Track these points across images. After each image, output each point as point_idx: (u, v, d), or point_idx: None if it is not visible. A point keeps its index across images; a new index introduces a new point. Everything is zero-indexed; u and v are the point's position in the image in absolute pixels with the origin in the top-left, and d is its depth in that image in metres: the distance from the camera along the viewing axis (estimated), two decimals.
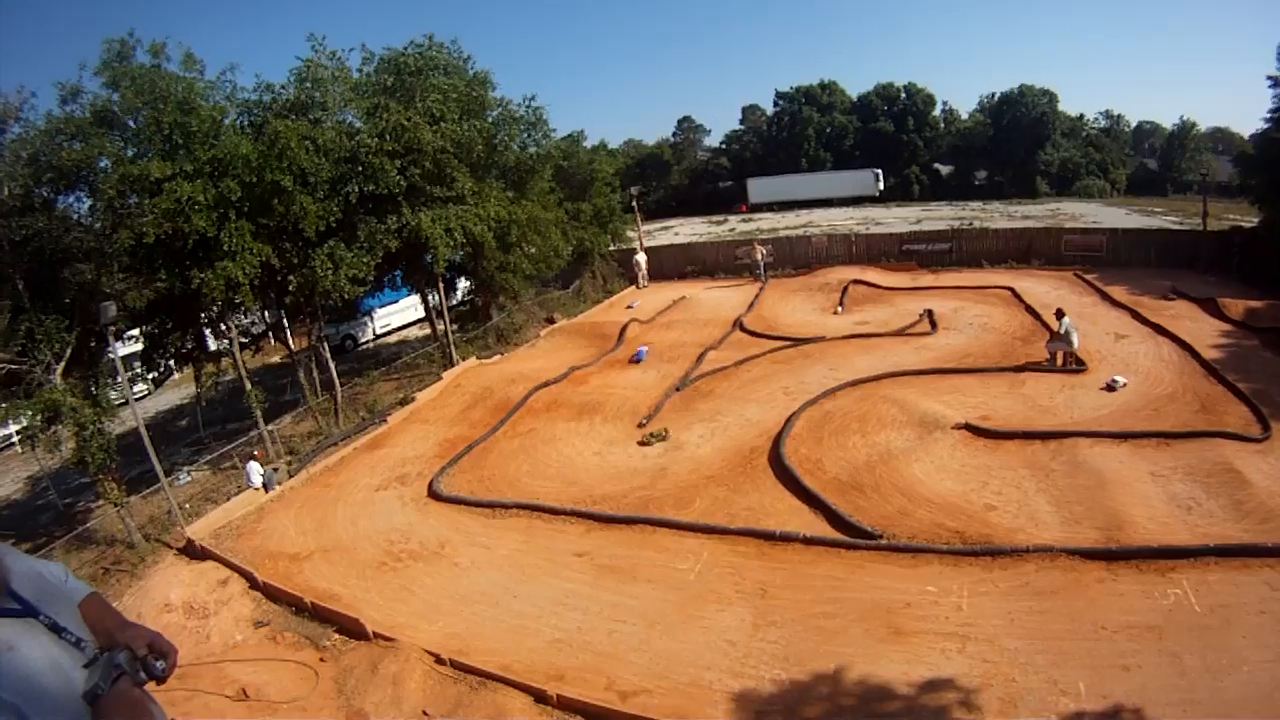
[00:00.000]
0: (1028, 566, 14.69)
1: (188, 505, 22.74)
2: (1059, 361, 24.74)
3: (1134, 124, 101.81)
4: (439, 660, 14.14)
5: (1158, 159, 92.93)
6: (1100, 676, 11.92)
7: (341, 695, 13.80)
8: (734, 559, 16.39)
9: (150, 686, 2.78)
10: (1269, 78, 35.29)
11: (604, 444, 23.12)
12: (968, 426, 20.64)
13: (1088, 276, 36.17)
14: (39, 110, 22.74)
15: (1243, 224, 40.52)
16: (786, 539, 16.65)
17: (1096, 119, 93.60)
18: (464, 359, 32.41)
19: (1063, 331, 24.68)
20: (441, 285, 33.53)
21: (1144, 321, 28.60)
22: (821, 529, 17.05)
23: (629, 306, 38.44)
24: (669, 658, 13.69)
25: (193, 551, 19.38)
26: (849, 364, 26.71)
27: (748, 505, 18.49)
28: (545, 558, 17.41)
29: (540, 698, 12.97)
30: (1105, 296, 32.68)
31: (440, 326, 34.30)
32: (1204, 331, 26.99)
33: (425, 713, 13.14)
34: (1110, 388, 22.62)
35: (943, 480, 18.39)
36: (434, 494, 20.93)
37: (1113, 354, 25.62)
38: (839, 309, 35.12)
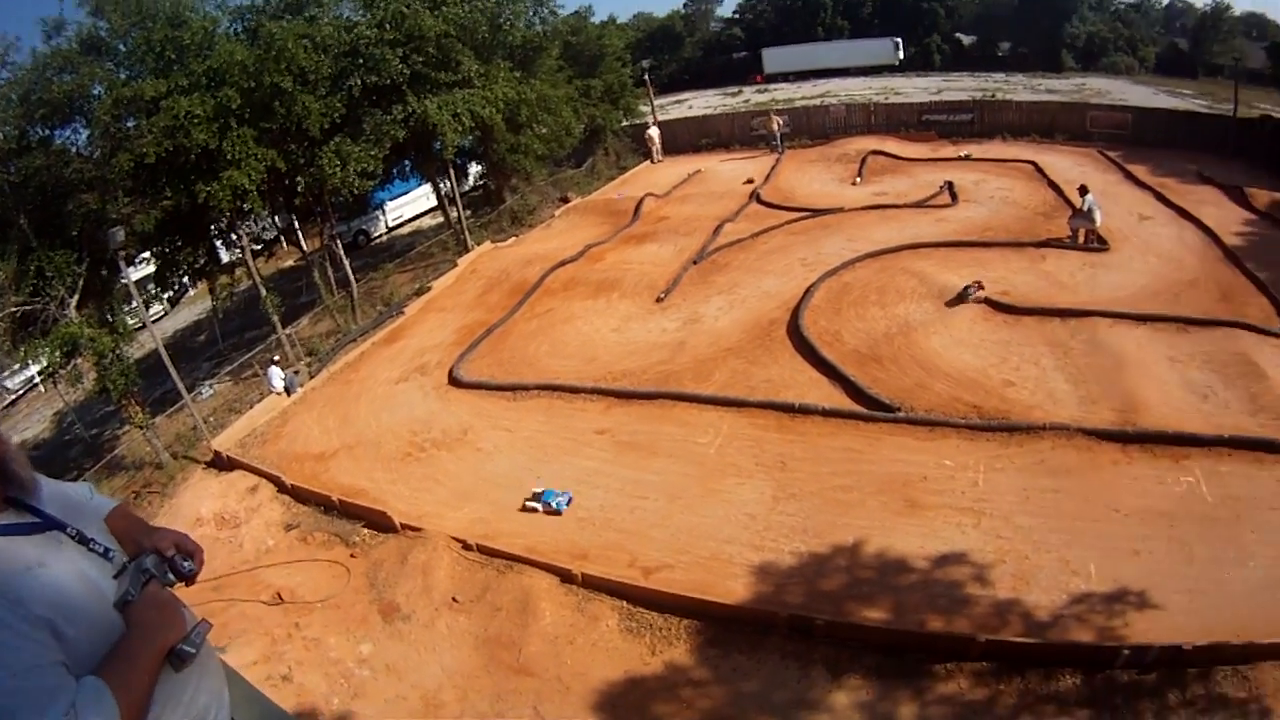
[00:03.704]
0: (1044, 444, 14.92)
1: (212, 418, 22.87)
2: (1080, 239, 24.40)
3: (1165, 1, 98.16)
4: (466, 546, 14.44)
5: (1188, 39, 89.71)
6: (1110, 559, 12.22)
7: (373, 589, 14.16)
8: (753, 432, 16.61)
9: (184, 592, 2.85)
10: None
11: (622, 320, 23.12)
12: (986, 300, 20.56)
13: (1111, 154, 35.25)
14: (24, 53, 22.43)
15: (1274, 114, 39.19)
16: (805, 411, 16.83)
17: None
18: (478, 244, 32.20)
19: (1085, 209, 24.22)
20: (452, 172, 33.14)
21: (1168, 204, 27.87)
22: (840, 401, 17.21)
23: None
24: (690, 532, 14.04)
25: (220, 463, 19.54)
26: (867, 235, 26.41)
27: (767, 378, 18.62)
28: (566, 437, 17.63)
29: (566, 577, 13.35)
30: (1129, 175, 31.86)
31: (453, 213, 34.02)
32: (1228, 219, 26.24)
33: (455, 599, 13.51)
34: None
35: (961, 354, 18.47)
36: (454, 381, 20.99)
37: (1135, 234, 25.15)
38: (857, 180, 34.50)
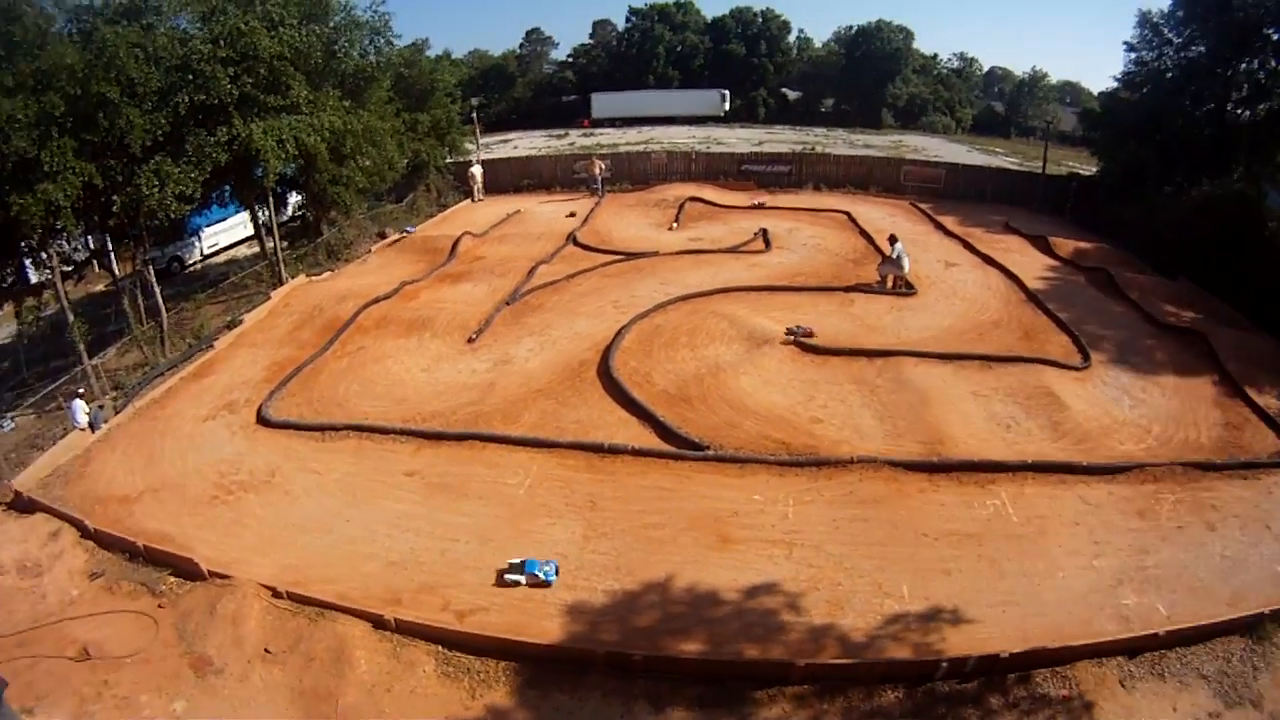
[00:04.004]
0: (851, 476, 15.85)
1: (13, 454, 21.24)
2: (889, 284, 26.19)
3: (986, 68, 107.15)
4: (276, 594, 13.87)
5: (1005, 103, 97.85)
6: (922, 579, 13.21)
7: (184, 641, 13.32)
8: (563, 472, 16.75)
9: None
10: (1125, 43, 38.94)
11: (433, 360, 22.85)
12: (796, 342, 21.59)
13: (923, 206, 38.11)
14: None
15: (1080, 172, 44.78)
16: (615, 451, 17.09)
17: (950, 60, 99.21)
18: (293, 277, 31.29)
19: (894, 256, 26.09)
20: (271, 200, 32.18)
21: (975, 252, 30.46)
22: (650, 441, 17.60)
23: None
24: None
25: (21, 504, 18.14)
26: (681, 279, 27.26)
27: (576, 418, 18.80)
28: (376, 479, 17.28)
29: (379, 624, 13.02)
30: (939, 226, 34.60)
31: (270, 244, 32.97)
32: (1033, 266, 29.07)
33: (267, 650, 12.90)
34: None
35: (770, 393, 19.34)
36: (263, 420, 20.20)
37: (942, 280, 27.32)
38: (674, 225, 35.55)
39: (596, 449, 17.23)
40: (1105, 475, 15.95)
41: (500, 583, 13.84)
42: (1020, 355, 21.06)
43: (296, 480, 17.51)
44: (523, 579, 13.75)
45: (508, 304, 25.97)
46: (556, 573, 13.79)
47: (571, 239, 33.28)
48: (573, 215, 37.58)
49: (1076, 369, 20.44)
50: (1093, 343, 21.90)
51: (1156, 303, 25.25)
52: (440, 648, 12.61)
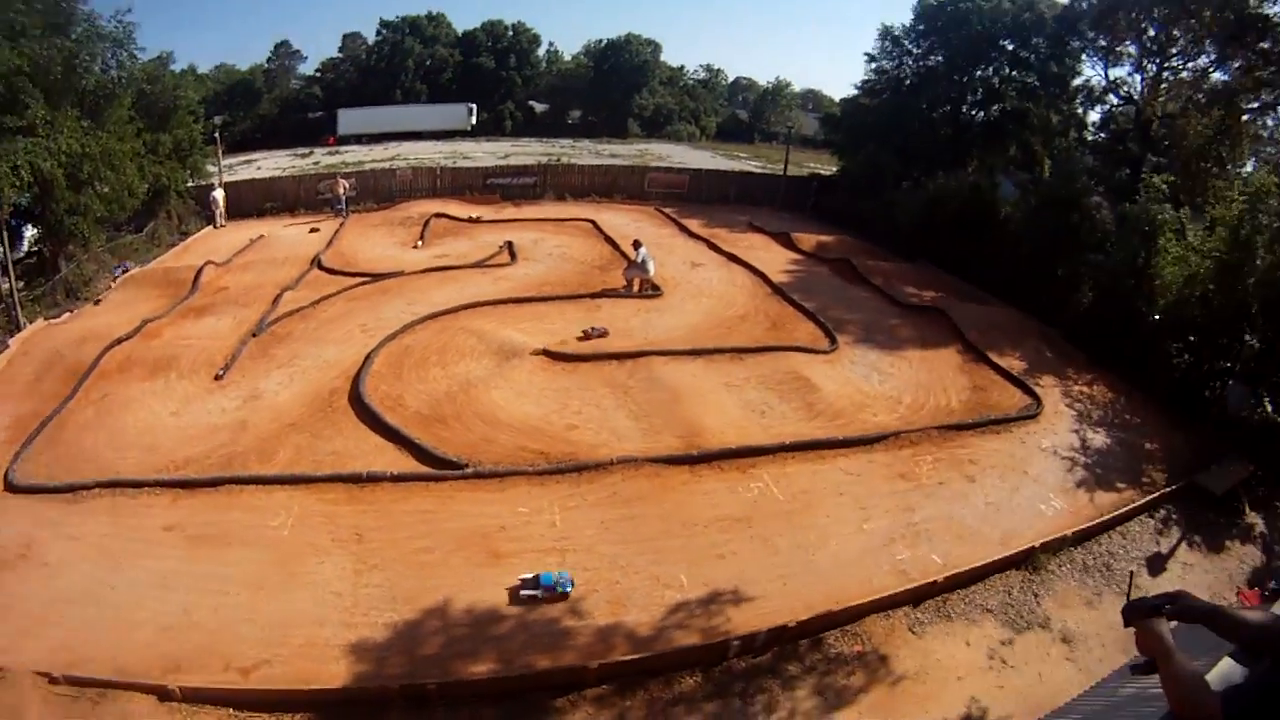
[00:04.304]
0: (614, 477, 16.21)
1: None
2: (635, 288, 27.05)
3: (732, 79, 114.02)
4: (53, 679, 12.55)
5: (749, 111, 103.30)
6: (699, 567, 13.74)
7: None
8: (325, 507, 16.16)
9: None
10: (866, 54, 44.61)
11: (181, 402, 21.48)
12: (545, 352, 21.83)
13: (667, 210, 39.70)
14: None
15: (821, 172, 48.95)
16: (374, 479, 16.66)
17: (696, 71, 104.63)
18: (31, 321, 28.81)
19: (639, 260, 26.97)
20: (5, 235, 29.42)
21: (719, 251, 31.98)
22: (408, 465, 17.32)
23: None
24: (280, 622, 13.31)
25: None
26: (427, 297, 27.02)
27: (332, 450, 18.17)
28: (135, 538, 15.98)
29: (164, 695, 12.11)
30: (683, 229, 36.24)
31: (5, 285, 30.20)
32: (777, 260, 30.89)
33: None
34: None
35: (523, 405, 19.45)
36: (10, 485, 18.34)
37: (687, 280, 28.55)
38: (419, 243, 35.20)
39: (355, 479, 16.71)
40: (863, 446, 17.19)
41: (515, 600, 13.39)
42: (768, 345, 22.32)
43: (53, 549, 15.94)
44: (539, 593, 13.35)
45: (254, 336, 24.78)
46: (572, 584, 13.45)
47: (316, 263, 32.21)
48: (316, 230, 36.98)
49: (824, 352, 21.94)
50: (838, 327, 23.54)
51: (898, 285, 27.67)
52: (231, 710, 11.94)
